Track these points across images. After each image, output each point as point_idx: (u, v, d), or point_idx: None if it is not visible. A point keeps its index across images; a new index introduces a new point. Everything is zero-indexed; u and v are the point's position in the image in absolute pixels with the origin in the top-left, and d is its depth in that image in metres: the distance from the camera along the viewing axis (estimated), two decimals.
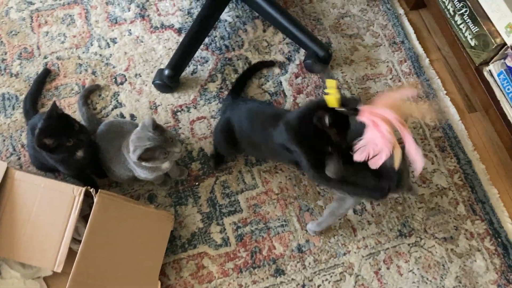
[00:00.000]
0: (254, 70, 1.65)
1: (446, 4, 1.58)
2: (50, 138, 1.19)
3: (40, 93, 1.58)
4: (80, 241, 1.25)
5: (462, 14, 1.52)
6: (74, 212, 1.26)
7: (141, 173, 1.30)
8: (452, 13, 1.56)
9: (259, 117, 1.31)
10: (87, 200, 1.34)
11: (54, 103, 1.22)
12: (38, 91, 1.57)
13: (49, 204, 1.26)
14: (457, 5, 1.52)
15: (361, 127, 1.05)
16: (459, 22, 1.54)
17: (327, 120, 1.04)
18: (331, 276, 1.40)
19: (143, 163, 1.22)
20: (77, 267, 1.20)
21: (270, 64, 1.67)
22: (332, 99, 1.03)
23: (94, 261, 1.24)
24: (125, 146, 1.26)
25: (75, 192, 1.27)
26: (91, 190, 1.26)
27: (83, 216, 1.35)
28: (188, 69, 1.65)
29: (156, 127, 1.20)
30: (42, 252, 1.23)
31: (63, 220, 1.25)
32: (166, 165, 1.28)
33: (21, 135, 1.52)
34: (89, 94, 1.59)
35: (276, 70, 1.66)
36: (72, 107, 1.56)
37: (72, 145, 1.24)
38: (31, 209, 1.26)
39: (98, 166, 1.43)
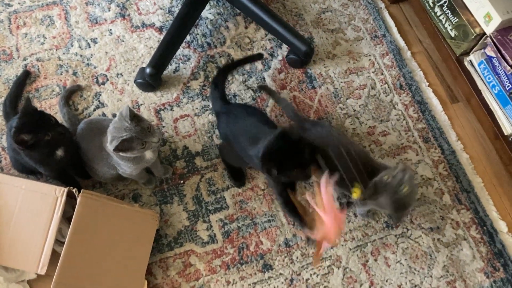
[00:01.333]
0: (239, 64, 1.63)
1: None
2: (28, 133, 1.18)
3: (20, 95, 1.56)
4: (63, 243, 1.23)
5: (441, 6, 1.53)
6: (57, 213, 1.23)
7: (126, 168, 1.29)
8: (431, 5, 1.58)
9: (248, 134, 1.30)
10: (71, 202, 1.32)
11: (28, 98, 1.22)
12: (18, 93, 1.55)
13: (31, 206, 1.24)
14: None
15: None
16: (438, 14, 1.55)
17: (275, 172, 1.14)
18: (319, 270, 1.40)
19: (122, 154, 1.21)
20: (61, 269, 1.18)
21: (259, 57, 1.64)
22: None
23: (78, 262, 1.22)
24: (106, 141, 1.25)
25: (57, 193, 1.24)
26: (74, 190, 1.24)
27: (67, 217, 1.33)
28: (170, 67, 1.64)
29: (134, 117, 1.19)
30: (25, 255, 1.21)
31: (45, 221, 1.23)
32: (149, 155, 1.28)
33: (1, 138, 1.50)
34: (71, 94, 1.58)
35: (259, 66, 1.66)
36: (53, 109, 1.54)
37: (52, 140, 1.22)
38: (13, 211, 1.24)
39: (80, 166, 1.41)
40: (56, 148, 1.27)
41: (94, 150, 1.31)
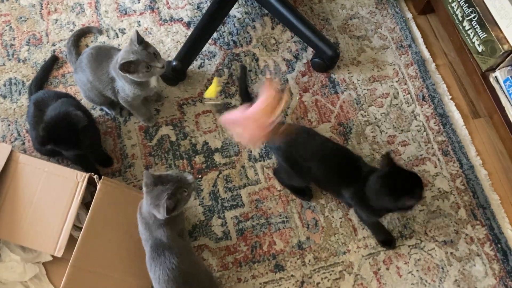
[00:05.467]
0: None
1: (455, 10, 1.58)
2: (53, 143, 1.25)
3: (47, 79, 1.58)
4: (80, 228, 1.25)
5: (470, 20, 1.53)
6: (77, 198, 1.25)
7: (130, 92, 1.35)
8: (460, 19, 1.57)
9: (333, 162, 1.31)
10: (89, 188, 1.34)
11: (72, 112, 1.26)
12: (44, 78, 1.57)
13: (52, 189, 1.26)
14: (466, 11, 1.53)
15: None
16: (467, 28, 1.55)
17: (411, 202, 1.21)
18: (330, 274, 1.40)
19: (129, 76, 1.27)
20: (77, 253, 1.19)
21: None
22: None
23: (94, 247, 1.24)
24: (113, 66, 1.31)
25: (78, 178, 1.26)
26: (95, 176, 1.26)
27: (84, 203, 1.35)
28: (196, 63, 1.65)
29: (141, 41, 1.26)
30: (43, 237, 1.23)
31: (65, 205, 1.25)
32: (154, 83, 1.35)
33: (26, 121, 1.52)
34: (83, 35, 1.65)
35: (283, 68, 1.67)
36: (78, 95, 1.56)
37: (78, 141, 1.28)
38: (34, 193, 1.26)
39: (101, 153, 1.43)
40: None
41: (100, 74, 1.36)
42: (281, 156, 1.36)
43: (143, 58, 1.25)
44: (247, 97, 1.48)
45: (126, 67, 1.24)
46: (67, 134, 1.25)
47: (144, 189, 1.15)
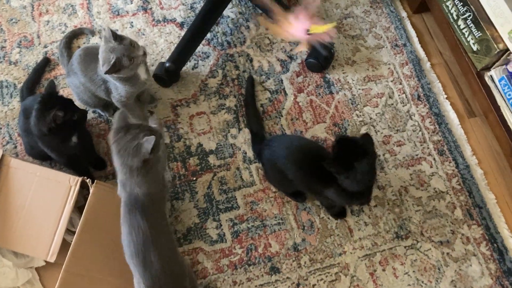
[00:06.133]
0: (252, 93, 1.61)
1: (450, 9, 1.57)
2: (60, 110, 1.20)
3: (39, 81, 1.57)
4: (73, 232, 1.24)
5: (465, 19, 1.52)
6: (70, 202, 1.24)
7: (123, 91, 1.33)
8: (455, 18, 1.56)
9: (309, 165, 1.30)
10: (82, 192, 1.33)
11: (52, 81, 1.25)
12: (36, 80, 1.56)
13: (44, 193, 1.25)
14: (460, 10, 1.52)
15: None
16: (462, 27, 1.54)
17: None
18: (326, 276, 1.40)
19: (115, 75, 1.26)
20: (71, 258, 1.18)
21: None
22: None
23: (88, 252, 1.23)
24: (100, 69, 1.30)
25: (71, 182, 1.25)
26: (88, 180, 1.25)
27: (78, 207, 1.34)
28: (189, 64, 1.64)
29: (115, 37, 1.24)
30: (36, 242, 1.22)
31: (58, 210, 1.24)
32: (143, 75, 1.33)
33: (18, 123, 1.50)
34: (75, 36, 1.63)
35: (278, 68, 1.66)
36: (71, 98, 1.54)
37: (76, 121, 1.26)
38: (26, 197, 1.25)
39: (94, 156, 1.42)
40: (72, 135, 1.28)
41: (91, 75, 1.34)
42: (268, 166, 1.40)
43: (123, 53, 1.23)
44: (253, 107, 1.55)
45: (112, 69, 1.23)
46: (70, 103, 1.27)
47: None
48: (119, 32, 1.64)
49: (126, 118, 1.15)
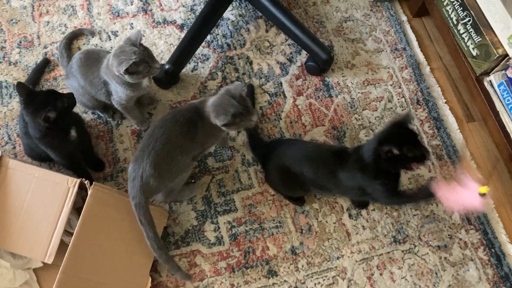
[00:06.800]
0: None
1: (450, 13, 1.58)
2: (51, 110, 1.20)
3: (38, 82, 1.57)
4: (71, 234, 1.24)
5: (465, 24, 1.52)
6: (68, 203, 1.24)
7: (123, 94, 1.33)
8: (455, 22, 1.56)
9: (320, 160, 1.32)
10: (80, 193, 1.33)
11: (22, 84, 1.23)
12: (36, 80, 1.56)
13: (43, 194, 1.25)
14: (460, 14, 1.52)
15: None
16: (461, 31, 1.54)
17: (396, 151, 1.13)
18: (323, 280, 1.40)
19: (127, 77, 1.24)
20: (68, 260, 1.19)
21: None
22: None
23: (85, 254, 1.23)
24: (105, 70, 1.30)
25: (69, 184, 1.25)
26: (86, 182, 1.25)
27: (76, 208, 1.34)
28: (189, 66, 1.64)
29: (141, 43, 1.25)
30: (34, 243, 1.22)
31: (56, 211, 1.24)
32: (146, 82, 1.33)
33: (17, 124, 1.51)
34: (75, 37, 1.64)
35: (277, 71, 1.66)
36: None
37: (68, 108, 1.26)
38: (24, 199, 1.25)
39: (92, 156, 1.42)
40: (70, 127, 1.29)
41: (91, 78, 1.34)
42: (274, 169, 1.40)
43: (144, 59, 1.24)
44: None
45: (131, 69, 1.22)
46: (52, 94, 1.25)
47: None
48: (118, 33, 1.65)
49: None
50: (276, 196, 1.48)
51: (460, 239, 1.47)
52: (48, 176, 1.26)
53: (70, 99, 1.27)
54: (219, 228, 1.44)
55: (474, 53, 1.51)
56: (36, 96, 1.23)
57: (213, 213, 1.45)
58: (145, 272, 1.32)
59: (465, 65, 1.57)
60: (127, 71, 1.22)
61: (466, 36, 1.53)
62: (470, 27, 1.50)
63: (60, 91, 1.52)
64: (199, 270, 1.38)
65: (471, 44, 1.51)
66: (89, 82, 1.35)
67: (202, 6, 1.65)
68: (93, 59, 1.33)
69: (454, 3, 1.55)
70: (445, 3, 1.59)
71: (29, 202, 1.25)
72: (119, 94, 1.35)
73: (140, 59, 1.23)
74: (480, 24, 1.45)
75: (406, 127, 1.19)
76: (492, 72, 1.49)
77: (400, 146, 1.13)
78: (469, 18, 1.49)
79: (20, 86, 1.22)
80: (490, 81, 1.50)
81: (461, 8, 1.51)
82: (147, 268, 1.33)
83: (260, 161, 1.51)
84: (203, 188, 1.48)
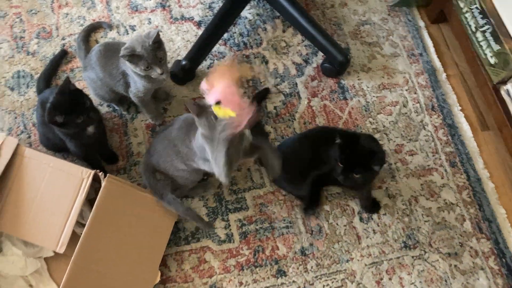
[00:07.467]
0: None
1: (469, 20, 1.57)
2: (60, 115, 1.19)
3: (55, 73, 1.57)
4: (83, 225, 1.25)
5: (484, 31, 1.51)
6: (81, 194, 1.24)
7: (140, 85, 1.34)
8: (473, 30, 1.56)
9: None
10: (93, 184, 1.33)
11: (68, 78, 1.23)
12: (53, 71, 1.56)
13: (57, 184, 1.25)
14: (480, 22, 1.52)
15: None
16: (480, 39, 1.54)
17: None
18: (332, 282, 1.39)
19: (128, 64, 1.26)
20: (80, 251, 1.19)
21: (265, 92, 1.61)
22: None
23: (97, 246, 1.23)
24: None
25: (83, 175, 1.25)
26: (100, 174, 1.25)
27: (88, 200, 1.34)
28: (205, 63, 1.64)
29: (156, 42, 1.25)
30: (46, 232, 1.22)
31: (69, 201, 1.24)
32: (163, 76, 1.31)
33: (33, 113, 1.52)
34: (93, 30, 1.64)
35: (293, 71, 1.66)
36: (86, 90, 1.54)
37: (82, 123, 1.24)
38: (38, 187, 1.25)
39: (107, 150, 1.42)
40: (88, 125, 1.28)
41: (110, 69, 1.35)
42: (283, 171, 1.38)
43: (146, 57, 1.24)
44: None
45: (127, 54, 1.23)
46: (75, 102, 1.24)
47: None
48: (136, 28, 1.65)
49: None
50: (287, 196, 1.48)
51: (471, 247, 1.46)
52: (63, 166, 1.26)
53: (89, 119, 1.26)
54: (229, 225, 1.43)
55: (492, 61, 1.50)
56: (67, 96, 1.22)
57: (224, 210, 1.45)
58: (155, 266, 1.32)
59: (482, 73, 1.56)
60: (124, 55, 1.23)
61: (484, 44, 1.52)
62: (489, 35, 1.49)
63: (77, 83, 1.55)
64: (208, 266, 1.38)
65: (489, 52, 1.50)
66: (108, 73, 1.36)
67: (220, 4, 1.66)
68: (113, 50, 1.34)
69: (473, 11, 1.54)
70: (464, 10, 1.58)
71: (43, 191, 1.25)
72: (137, 85, 1.35)
73: (142, 54, 1.23)
74: (500, 33, 1.45)
75: None
76: (510, 81, 1.49)
77: None
78: (488, 26, 1.49)
79: (66, 81, 1.22)
80: (507, 90, 1.49)
81: (481, 15, 1.51)
82: (157, 262, 1.33)
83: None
84: (215, 185, 1.48)
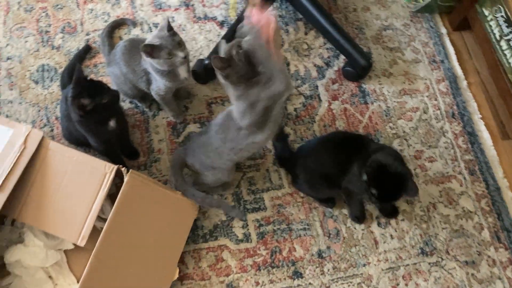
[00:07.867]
0: None
1: (493, 28, 1.57)
2: (86, 98, 1.20)
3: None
4: (103, 219, 1.25)
5: (508, 40, 1.51)
6: (104, 189, 1.25)
7: (161, 84, 1.35)
8: (498, 38, 1.55)
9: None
10: (114, 180, 1.34)
11: (80, 66, 1.24)
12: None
13: (80, 178, 1.26)
14: (504, 31, 1.51)
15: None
16: (504, 48, 1.53)
17: None
18: (348, 285, 1.39)
19: (149, 59, 1.27)
20: (101, 245, 1.19)
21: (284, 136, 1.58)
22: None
23: (117, 241, 1.23)
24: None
25: (106, 169, 1.26)
26: (123, 169, 1.26)
27: (109, 195, 1.35)
28: None
29: (170, 29, 1.27)
30: (67, 225, 1.23)
31: (91, 195, 1.25)
32: (183, 74, 1.35)
33: (56, 107, 1.53)
34: (117, 26, 1.66)
35: (314, 73, 1.66)
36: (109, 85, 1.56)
37: (108, 104, 1.25)
38: (62, 180, 1.26)
39: (128, 145, 1.43)
40: (110, 119, 1.29)
41: (133, 66, 1.36)
42: (304, 174, 1.42)
43: (166, 45, 1.25)
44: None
45: (148, 49, 1.24)
46: (95, 85, 1.25)
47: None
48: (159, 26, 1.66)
49: None
50: (305, 198, 1.48)
51: (489, 256, 1.45)
52: (86, 160, 1.27)
53: (113, 96, 1.28)
54: (247, 225, 1.44)
55: None
56: (84, 83, 1.24)
57: (242, 210, 1.46)
58: (173, 263, 1.33)
59: (505, 81, 1.55)
60: (145, 51, 1.25)
61: (508, 53, 1.52)
62: None
63: (100, 79, 1.56)
64: (225, 265, 1.39)
65: None
66: (132, 69, 1.37)
67: (243, 5, 1.67)
68: (137, 47, 1.35)
69: (498, 19, 1.54)
70: (489, 18, 1.58)
71: (66, 184, 1.26)
72: (158, 83, 1.36)
73: (161, 43, 1.25)
74: None
75: None
76: None
77: None
78: None
79: (78, 70, 1.23)
80: None
81: (506, 24, 1.50)
82: (175, 259, 1.34)
83: (285, 168, 1.51)
84: (233, 184, 1.49)
